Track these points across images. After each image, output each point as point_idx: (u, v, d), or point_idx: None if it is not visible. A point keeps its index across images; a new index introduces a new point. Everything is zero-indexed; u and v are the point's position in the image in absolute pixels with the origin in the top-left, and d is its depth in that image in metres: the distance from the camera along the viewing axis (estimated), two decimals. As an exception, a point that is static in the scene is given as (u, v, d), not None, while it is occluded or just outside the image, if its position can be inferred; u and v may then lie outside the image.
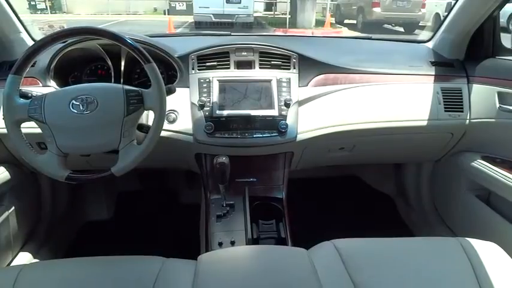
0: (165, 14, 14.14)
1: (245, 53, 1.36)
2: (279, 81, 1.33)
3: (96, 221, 1.97)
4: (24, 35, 1.44)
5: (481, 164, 1.40)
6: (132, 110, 1.04)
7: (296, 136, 1.31)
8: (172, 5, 13.58)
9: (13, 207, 1.45)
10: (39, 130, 1.02)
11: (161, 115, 1.06)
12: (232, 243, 1.15)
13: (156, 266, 0.89)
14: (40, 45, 1.01)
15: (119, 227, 1.92)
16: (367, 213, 1.91)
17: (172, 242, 1.73)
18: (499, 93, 1.33)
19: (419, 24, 10.29)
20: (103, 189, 2.02)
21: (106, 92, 1.06)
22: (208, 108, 1.29)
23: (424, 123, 1.40)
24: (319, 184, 2.05)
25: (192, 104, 1.31)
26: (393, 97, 1.41)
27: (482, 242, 0.99)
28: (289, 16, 12.15)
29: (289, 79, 1.35)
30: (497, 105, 1.34)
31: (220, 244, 1.16)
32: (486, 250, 0.96)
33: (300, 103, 1.34)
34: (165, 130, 1.28)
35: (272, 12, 14.46)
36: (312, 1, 10.89)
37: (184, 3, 12.95)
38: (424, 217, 1.83)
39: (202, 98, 1.30)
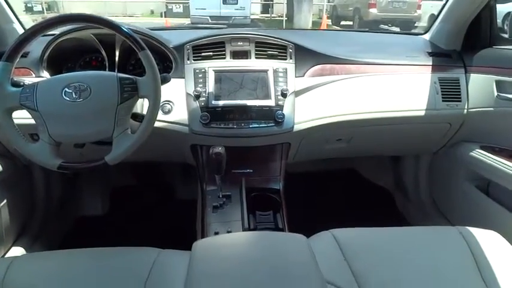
0: (162, 16, 14.12)
1: (241, 43, 1.35)
2: (275, 72, 1.32)
3: (90, 216, 1.95)
4: (16, 25, 1.42)
5: (480, 154, 1.38)
6: (126, 97, 1.03)
7: (293, 126, 1.29)
8: (169, 7, 13.57)
9: (5, 200, 1.43)
10: (31, 121, 1.00)
11: (156, 103, 1.04)
12: (229, 233, 1.14)
13: (151, 257, 0.88)
14: (32, 32, 1.00)
15: (113, 222, 1.90)
16: (365, 206, 1.89)
17: (168, 236, 1.71)
18: (497, 82, 1.32)
19: (415, 25, 10.33)
20: (97, 184, 2.00)
21: (99, 79, 1.05)
22: (204, 99, 1.28)
23: (422, 113, 1.39)
24: (316, 178, 2.04)
25: (188, 94, 1.29)
26: (390, 87, 1.40)
27: (482, 230, 0.98)
28: (286, 18, 12.18)
29: (286, 69, 1.33)
30: (496, 93, 1.33)
31: (216, 234, 1.14)
32: (486, 238, 0.95)
33: (297, 93, 1.33)
34: (160, 121, 1.27)
35: (269, 15, 14.48)
36: (308, 2, 10.90)
37: (181, 5, 12.93)
38: (422, 210, 1.82)
39: (198, 89, 1.28)
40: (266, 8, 15.21)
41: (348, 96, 1.37)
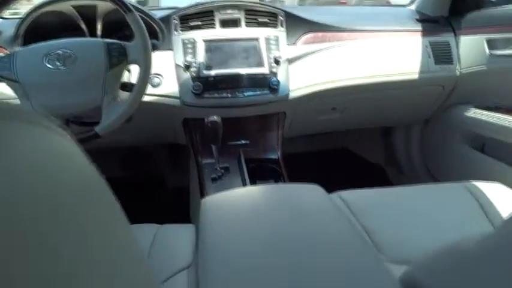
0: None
1: (230, 11, 1.30)
2: (266, 39, 1.28)
3: None
4: None
5: (475, 113, 1.38)
6: (114, 63, 0.97)
7: (288, 94, 1.26)
8: None
9: None
10: (10, 94, 0.93)
11: (147, 69, 0.99)
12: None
13: (150, 232, 0.82)
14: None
15: None
16: (359, 184, 1.87)
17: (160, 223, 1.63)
18: (488, 41, 1.33)
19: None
20: None
21: (84, 45, 0.99)
22: (195, 69, 1.22)
23: (415, 76, 1.38)
24: (309, 158, 2.01)
25: (177, 65, 1.23)
26: (382, 52, 1.39)
27: (486, 183, 0.97)
28: None
29: (277, 37, 1.30)
30: (487, 52, 1.33)
31: None
32: (492, 190, 0.94)
33: (290, 61, 1.29)
34: (149, 95, 1.20)
35: None
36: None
37: None
38: (417, 182, 1.81)
39: (188, 59, 1.23)
40: None
41: (341, 62, 1.35)
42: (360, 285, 0.49)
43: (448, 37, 1.44)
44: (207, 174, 1.20)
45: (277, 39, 1.29)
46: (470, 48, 1.39)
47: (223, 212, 0.70)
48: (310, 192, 0.73)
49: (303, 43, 1.34)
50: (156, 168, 2.02)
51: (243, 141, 1.28)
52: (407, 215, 0.88)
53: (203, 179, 1.19)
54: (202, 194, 1.14)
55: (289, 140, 1.53)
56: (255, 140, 1.30)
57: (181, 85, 1.22)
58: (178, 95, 1.22)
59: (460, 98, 1.47)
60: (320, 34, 1.37)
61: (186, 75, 1.22)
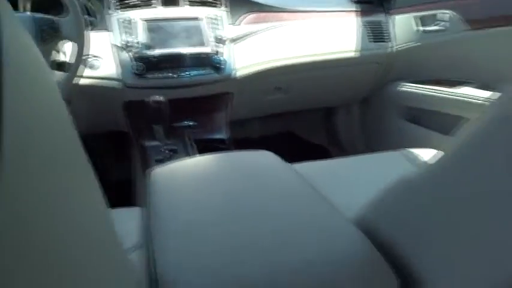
0: None
1: None
2: (208, 19, 1.26)
3: None
4: None
5: (410, 87, 1.48)
6: (45, 39, 0.89)
7: (233, 73, 1.25)
8: None
9: None
10: None
11: (82, 45, 0.93)
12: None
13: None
14: None
15: None
16: None
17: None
18: (419, 18, 1.42)
19: None
20: None
21: None
22: (135, 49, 1.17)
23: (352, 54, 1.44)
24: (256, 143, 2.02)
25: (116, 46, 1.17)
26: (321, 32, 1.43)
27: (421, 149, 1.03)
28: None
29: (220, 16, 1.28)
30: (417, 28, 1.42)
31: None
32: (425, 154, 1.01)
33: (234, 41, 1.29)
34: (88, 77, 1.13)
35: None
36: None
37: None
38: None
39: (126, 39, 1.17)
40: None
41: (283, 42, 1.37)
42: (313, 228, 0.50)
43: (381, 16, 1.52)
44: (152, 156, 1.15)
45: (219, 19, 1.28)
46: (402, 26, 1.48)
47: (174, 182, 0.65)
48: (263, 158, 0.73)
49: (246, 23, 1.34)
50: (97, 160, 1.90)
51: (191, 123, 1.25)
52: (350, 182, 0.91)
53: (147, 161, 1.14)
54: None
55: (237, 125, 1.53)
56: (202, 122, 1.28)
57: (122, 66, 1.16)
58: (119, 76, 1.16)
59: (397, 75, 1.56)
60: (262, 14, 1.38)
61: (126, 55, 1.16)
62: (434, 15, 1.37)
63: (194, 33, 1.24)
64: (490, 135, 0.41)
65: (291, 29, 1.39)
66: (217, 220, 0.54)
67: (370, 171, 0.95)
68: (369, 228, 0.50)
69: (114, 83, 1.17)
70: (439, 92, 1.34)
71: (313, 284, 0.42)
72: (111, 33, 1.19)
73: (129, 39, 1.17)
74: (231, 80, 1.25)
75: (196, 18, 1.25)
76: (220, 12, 1.29)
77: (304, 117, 2.09)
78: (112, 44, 1.17)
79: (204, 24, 1.25)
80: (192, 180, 0.66)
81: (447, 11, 1.35)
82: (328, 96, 1.70)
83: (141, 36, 1.19)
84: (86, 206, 0.31)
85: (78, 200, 0.28)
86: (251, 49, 1.32)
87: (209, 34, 1.24)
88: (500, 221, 0.37)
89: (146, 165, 1.13)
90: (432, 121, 1.39)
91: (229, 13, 1.31)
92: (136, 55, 1.16)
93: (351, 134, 1.93)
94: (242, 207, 0.57)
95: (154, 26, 1.21)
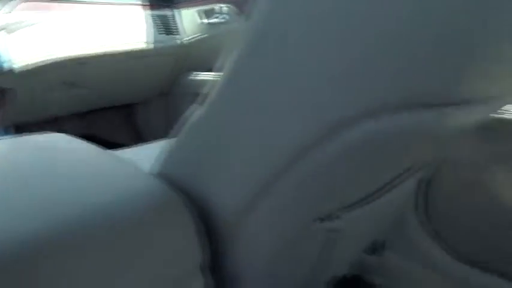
0: None
1: None
2: None
3: None
4: None
5: (203, 75, 1.59)
6: None
7: (7, 65, 1.09)
8: None
9: None
10: None
11: None
12: None
13: None
14: None
15: None
16: None
17: None
18: (202, 12, 1.55)
19: None
20: None
21: None
22: None
23: (143, 45, 1.46)
24: None
25: None
26: (109, 23, 1.39)
27: None
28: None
29: None
30: (202, 21, 1.55)
31: None
32: None
33: (8, 30, 1.11)
34: None
35: None
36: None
37: None
38: None
39: None
40: None
41: (67, 33, 1.28)
42: (104, 180, 0.48)
43: (167, 10, 1.59)
44: None
45: None
46: (189, 20, 1.58)
47: None
48: (59, 139, 0.66)
49: (21, 9, 1.19)
50: None
51: None
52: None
53: None
54: None
55: (26, 130, 1.33)
56: None
57: None
58: None
59: (191, 66, 1.65)
60: (42, 4, 1.24)
61: None
62: (215, 8, 1.52)
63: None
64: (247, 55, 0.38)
65: (73, 20, 1.30)
66: None
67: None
68: (164, 174, 0.51)
69: None
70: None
71: (105, 225, 0.40)
72: None
73: None
74: (5, 73, 1.08)
75: None
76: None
77: (106, 117, 1.99)
78: None
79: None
80: None
81: (225, 5, 1.53)
82: (127, 91, 1.67)
83: None
84: None
85: None
86: (30, 40, 1.18)
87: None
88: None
89: None
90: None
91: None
92: None
93: (154, 129, 1.94)
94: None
95: None
